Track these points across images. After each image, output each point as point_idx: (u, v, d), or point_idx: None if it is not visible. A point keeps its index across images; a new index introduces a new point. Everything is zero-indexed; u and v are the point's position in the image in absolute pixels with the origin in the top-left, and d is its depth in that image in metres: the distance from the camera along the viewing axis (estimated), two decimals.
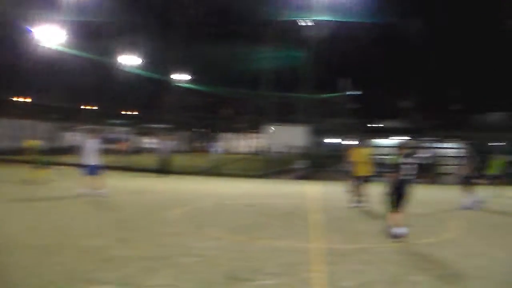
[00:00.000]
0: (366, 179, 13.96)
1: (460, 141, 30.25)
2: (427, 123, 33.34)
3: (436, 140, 28.54)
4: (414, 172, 9.22)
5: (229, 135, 56.32)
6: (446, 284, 6.47)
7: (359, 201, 13.90)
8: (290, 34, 31.81)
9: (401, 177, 9.17)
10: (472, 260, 7.75)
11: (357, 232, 10.10)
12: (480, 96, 38.58)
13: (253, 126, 41.09)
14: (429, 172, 20.73)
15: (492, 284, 6.48)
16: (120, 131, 42.23)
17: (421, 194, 10.87)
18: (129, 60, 36.31)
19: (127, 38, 34.30)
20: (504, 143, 28.84)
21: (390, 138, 28.31)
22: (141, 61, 36.64)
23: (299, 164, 26.51)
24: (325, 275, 6.65)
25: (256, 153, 36.37)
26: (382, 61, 35.23)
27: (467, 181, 14.81)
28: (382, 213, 12.09)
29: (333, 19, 30.77)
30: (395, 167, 9.31)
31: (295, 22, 31.51)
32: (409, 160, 9.31)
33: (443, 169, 27.84)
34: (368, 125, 36.73)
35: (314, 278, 6.47)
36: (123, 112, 52.24)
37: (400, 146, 10.07)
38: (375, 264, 7.30)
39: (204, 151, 45.13)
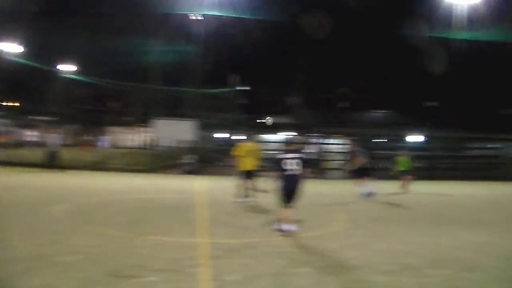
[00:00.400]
0: (253, 174, 14.21)
1: (345, 137, 31.81)
2: (314, 119, 34.63)
3: (322, 136, 29.71)
4: (300, 167, 9.33)
5: (117, 129, 54.76)
6: (328, 274, 6.64)
7: (246, 196, 14.04)
8: (180, 28, 31.61)
9: (288, 173, 9.28)
10: (354, 251, 8.05)
11: (244, 226, 10.14)
12: (365, 94, 40.87)
13: (141, 120, 40.34)
14: (315, 167, 21.60)
15: (371, 273, 6.72)
16: None
17: (308, 189, 11.29)
18: (9, 48, 34.10)
19: (7, 24, 32.20)
20: (385, 139, 30.84)
21: (278, 133, 29.07)
22: (23, 49, 34.57)
23: (187, 159, 26.38)
24: (211, 269, 6.60)
25: (144, 148, 35.71)
26: (272, 58, 36.06)
27: (359, 174, 16.46)
28: (268, 208, 12.45)
29: (224, 15, 31.01)
30: (281, 162, 9.40)
31: (186, 16, 31.35)
32: (296, 155, 9.44)
33: (329, 164, 29.13)
34: (257, 121, 37.43)
35: (200, 273, 6.40)
36: (2, 103, 48.96)
37: (286, 142, 10.24)
38: (261, 258, 7.35)
39: (91, 145, 43.51)
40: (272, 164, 9.70)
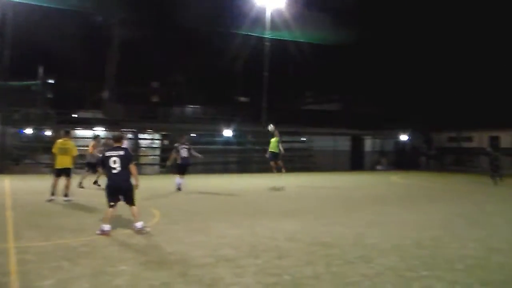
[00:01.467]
0: (66, 172, 13.61)
1: (159, 132, 31.80)
2: (126, 114, 33.92)
3: (135, 131, 29.29)
4: (124, 165, 9.12)
5: None
6: (148, 270, 6.60)
7: (65, 195, 13.47)
8: None
9: (112, 171, 9.07)
10: (173, 245, 8.12)
11: (57, 227, 9.62)
12: (180, 89, 41.24)
13: None
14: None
15: (189, 267, 6.82)
16: None
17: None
18: None
19: None
20: (200, 134, 31.42)
21: (91, 129, 27.91)
22: None
23: None
24: (21, 276, 6.17)
25: None
26: (82, 51, 34.46)
27: (178, 169, 17.39)
28: (87, 206, 12.01)
29: (27, 2, 28.71)
30: (106, 160, 9.16)
31: None
32: (119, 153, 9.19)
33: (142, 159, 28.86)
34: (68, 116, 35.46)
35: (10, 283, 5.93)
36: None
37: (113, 138, 9.98)
38: (77, 260, 7.07)
39: None
40: (99, 162, 9.34)
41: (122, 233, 9.10)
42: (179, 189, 17.08)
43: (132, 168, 9.28)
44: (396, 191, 19.96)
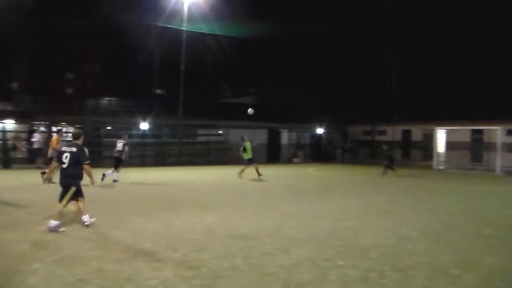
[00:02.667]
0: None
1: (73, 125, 30.61)
2: (38, 106, 32.40)
3: (48, 124, 28.03)
4: (72, 160, 9.05)
5: None
6: (62, 267, 6.46)
7: None
8: None
9: (62, 166, 9.07)
10: (88, 242, 7.99)
11: None
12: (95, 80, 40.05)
13: None
14: (37, 157, 20.51)
15: (106, 262, 6.73)
16: None
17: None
18: None
19: None
20: (115, 127, 30.60)
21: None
22: None
23: None
24: None
25: None
26: None
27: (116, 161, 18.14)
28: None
29: None
30: (60, 155, 9.20)
31: None
32: (71, 148, 9.16)
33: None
34: None
35: None
36: None
37: (72, 134, 9.99)
38: None
39: None
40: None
41: (37, 231, 8.80)
42: (115, 180, 17.92)
43: (85, 166, 9.21)
44: (312, 183, 20.42)
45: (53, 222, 8.81)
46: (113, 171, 17.93)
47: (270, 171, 24.05)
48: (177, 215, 10.91)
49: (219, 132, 35.19)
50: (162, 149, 31.55)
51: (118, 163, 18.12)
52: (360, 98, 40.99)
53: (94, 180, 9.72)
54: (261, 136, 35.41)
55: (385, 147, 26.07)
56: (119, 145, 18.23)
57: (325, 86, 40.93)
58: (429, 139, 33.62)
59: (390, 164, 24.27)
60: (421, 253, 7.80)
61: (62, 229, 8.88)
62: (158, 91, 42.38)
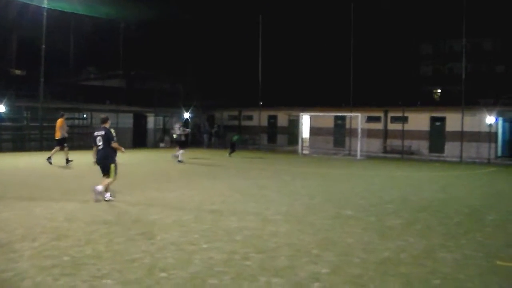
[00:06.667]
0: None
1: None
2: None
3: None
4: (105, 143, 11.16)
5: None
6: None
7: None
8: None
9: (98, 148, 11.25)
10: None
11: None
12: None
13: None
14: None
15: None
16: None
17: None
18: None
19: None
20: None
21: None
22: None
23: None
24: None
25: None
26: None
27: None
28: None
29: None
30: (94, 138, 11.33)
31: None
32: (101, 132, 11.22)
33: None
34: None
35: None
36: None
37: (101, 119, 11.79)
38: None
39: None
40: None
41: None
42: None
43: (114, 145, 11.25)
44: (179, 168, 20.64)
45: (100, 187, 10.76)
46: None
47: (135, 156, 24.07)
48: (36, 203, 10.76)
49: (83, 115, 34.25)
50: (22, 133, 30.14)
51: None
52: (228, 83, 41.92)
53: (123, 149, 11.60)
54: (127, 120, 35.12)
55: (235, 137, 28.76)
56: None
57: (193, 70, 41.26)
58: (294, 125, 35.48)
59: (233, 148, 27.27)
60: (284, 234, 8.30)
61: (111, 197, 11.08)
62: (17, 71, 39.99)
